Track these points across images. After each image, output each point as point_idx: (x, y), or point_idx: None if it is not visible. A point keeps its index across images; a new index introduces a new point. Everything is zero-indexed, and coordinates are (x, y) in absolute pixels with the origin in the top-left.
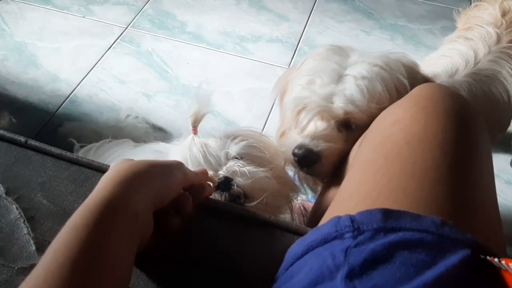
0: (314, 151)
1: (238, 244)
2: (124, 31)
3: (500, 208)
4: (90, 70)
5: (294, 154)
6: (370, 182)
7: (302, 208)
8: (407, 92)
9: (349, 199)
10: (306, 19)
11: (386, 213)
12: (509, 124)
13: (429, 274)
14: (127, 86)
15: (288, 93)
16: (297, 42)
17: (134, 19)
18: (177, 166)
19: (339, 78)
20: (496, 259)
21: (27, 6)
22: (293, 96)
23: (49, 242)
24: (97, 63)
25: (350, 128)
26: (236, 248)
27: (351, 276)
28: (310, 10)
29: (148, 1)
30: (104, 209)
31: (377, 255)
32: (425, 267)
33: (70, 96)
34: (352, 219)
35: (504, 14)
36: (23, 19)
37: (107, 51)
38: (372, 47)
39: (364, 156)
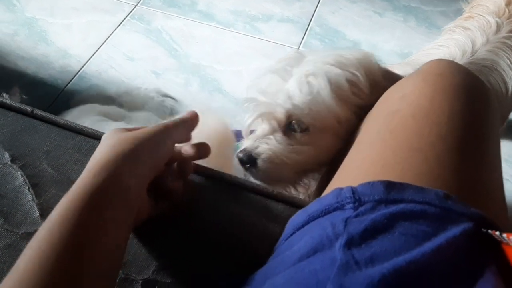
0: (252, 155)
1: (241, 214)
2: (134, 8)
3: (508, 192)
4: (100, 47)
5: (237, 157)
6: (374, 155)
7: None
8: (367, 89)
9: (352, 171)
10: None
11: (389, 185)
12: (508, 117)
13: (429, 245)
14: (136, 63)
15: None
16: (309, 22)
17: None
18: (165, 133)
19: (287, 77)
20: (497, 233)
21: None
22: (244, 98)
23: (53, 209)
24: (106, 39)
25: (304, 130)
26: (239, 218)
27: (349, 244)
28: None
29: None
30: (93, 192)
31: (377, 225)
32: (426, 238)
33: (80, 72)
34: (353, 190)
35: (509, 3)
36: None
37: (116, 28)
38: (384, 29)
39: (369, 130)
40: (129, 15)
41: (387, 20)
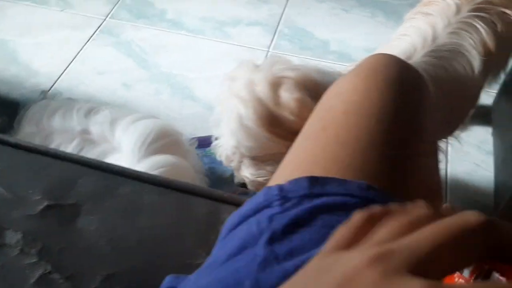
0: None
1: (184, 218)
2: (103, 22)
3: (482, 179)
4: (70, 63)
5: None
6: (305, 153)
7: None
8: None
9: (285, 169)
10: (286, 1)
11: (313, 180)
12: (478, 100)
13: None
14: (107, 77)
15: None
16: (277, 24)
17: (112, 9)
18: None
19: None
20: None
21: (6, 4)
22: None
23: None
24: (76, 56)
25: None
26: (177, 219)
27: (272, 240)
28: None
29: None
30: None
31: (299, 219)
32: None
33: (51, 90)
34: (280, 188)
35: None
36: (3, 16)
37: (86, 43)
38: (352, 26)
39: (305, 128)
40: (98, 30)
41: (355, 17)
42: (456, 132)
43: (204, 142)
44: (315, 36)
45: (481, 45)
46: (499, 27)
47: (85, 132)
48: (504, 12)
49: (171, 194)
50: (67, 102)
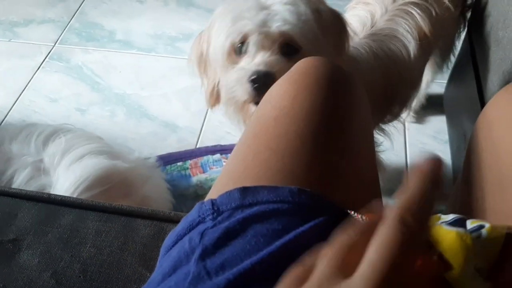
0: (272, 72)
1: (123, 239)
2: (52, 49)
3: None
4: (21, 93)
5: (253, 80)
6: (237, 164)
7: None
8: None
9: (217, 184)
10: None
11: (244, 190)
12: (418, 82)
13: (277, 243)
14: (60, 103)
15: (211, 44)
16: None
17: (61, 35)
18: None
19: (263, 8)
20: (353, 213)
21: None
22: (226, 33)
23: None
24: (27, 84)
25: (295, 53)
26: (121, 243)
27: (204, 255)
28: None
29: (73, 15)
30: None
31: (230, 231)
32: (276, 237)
33: (3, 122)
34: (213, 202)
35: None
36: None
37: (36, 71)
38: (147, 15)
39: (240, 139)
40: (48, 56)
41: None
42: (402, 116)
43: (164, 160)
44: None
45: (416, 30)
46: (434, 12)
47: (39, 160)
48: None
49: (114, 218)
50: (30, 126)
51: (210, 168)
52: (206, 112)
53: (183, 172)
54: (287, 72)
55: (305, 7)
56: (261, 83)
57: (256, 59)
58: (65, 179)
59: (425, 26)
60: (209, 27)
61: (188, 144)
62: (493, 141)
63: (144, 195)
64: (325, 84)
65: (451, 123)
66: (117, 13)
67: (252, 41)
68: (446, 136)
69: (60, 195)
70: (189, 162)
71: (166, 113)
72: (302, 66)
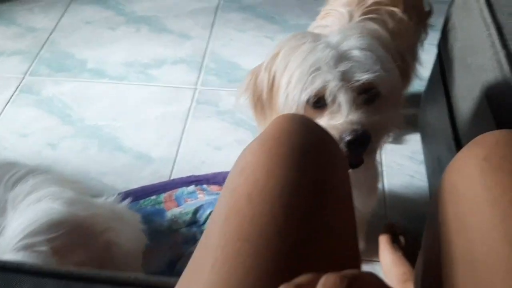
0: (368, 132)
1: None
2: (22, 81)
3: (417, 189)
4: None
5: (349, 141)
6: (207, 251)
7: None
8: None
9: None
10: (208, 34)
11: None
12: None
13: None
14: (30, 138)
15: (279, 89)
16: (202, 60)
17: (30, 66)
18: None
19: (343, 58)
20: None
21: None
22: (302, 86)
23: None
24: None
25: (376, 98)
26: None
27: None
28: (211, 24)
29: (43, 45)
30: None
31: None
32: None
33: None
34: None
35: None
36: None
37: (6, 105)
38: (118, 42)
39: (211, 216)
40: (18, 89)
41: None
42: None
43: (137, 194)
44: (241, 66)
45: None
46: (390, 25)
47: (4, 201)
48: (392, 11)
49: (73, 285)
50: (7, 165)
51: (184, 201)
52: (180, 141)
53: (157, 206)
54: (261, 134)
55: (382, 50)
56: (358, 143)
57: (349, 117)
58: (16, 221)
59: None
60: (272, 63)
61: (163, 175)
62: (459, 217)
63: (107, 241)
64: (300, 154)
65: (425, 146)
66: (88, 42)
67: (338, 96)
68: (421, 157)
69: (16, 262)
70: (163, 195)
71: (139, 144)
72: (275, 128)
